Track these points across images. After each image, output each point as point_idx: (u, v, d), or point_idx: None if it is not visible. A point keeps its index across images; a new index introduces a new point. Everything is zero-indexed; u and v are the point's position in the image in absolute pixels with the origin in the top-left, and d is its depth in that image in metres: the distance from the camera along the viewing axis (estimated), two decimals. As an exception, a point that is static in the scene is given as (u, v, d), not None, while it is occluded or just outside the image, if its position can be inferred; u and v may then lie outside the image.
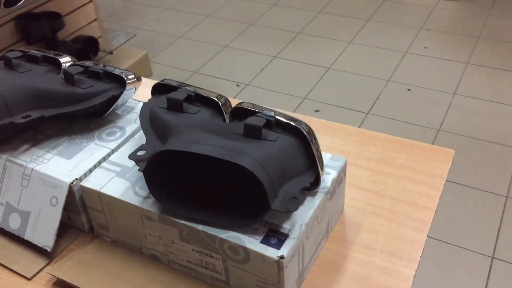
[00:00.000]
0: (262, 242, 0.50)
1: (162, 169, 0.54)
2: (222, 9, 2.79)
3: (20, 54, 0.71)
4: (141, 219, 0.56)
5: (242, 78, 2.20)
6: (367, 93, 2.06)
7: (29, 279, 0.58)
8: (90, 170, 0.61)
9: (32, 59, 0.71)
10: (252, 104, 0.60)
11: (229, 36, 2.53)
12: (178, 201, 0.54)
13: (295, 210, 0.49)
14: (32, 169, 0.61)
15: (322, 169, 0.55)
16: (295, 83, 2.15)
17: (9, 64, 0.69)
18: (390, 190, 0.67)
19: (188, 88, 0.62)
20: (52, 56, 0.71)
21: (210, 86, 2.11)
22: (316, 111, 1.98)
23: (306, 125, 0.57)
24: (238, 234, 0.51)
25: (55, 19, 1.95)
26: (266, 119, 0.56)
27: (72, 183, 0.59)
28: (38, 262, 0.60)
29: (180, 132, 0.55)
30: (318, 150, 0.56)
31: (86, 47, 1.94)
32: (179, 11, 2.81)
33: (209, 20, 2.70)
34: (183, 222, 0.53)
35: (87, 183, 0.59)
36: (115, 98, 0.66)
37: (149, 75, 2.24)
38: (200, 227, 0.52)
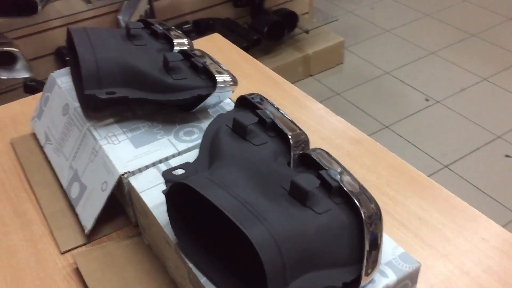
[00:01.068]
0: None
1: (186, 199, 0.47)
2: (446, 11, 2.51)
3: (141, 25, 0.69)
4: (164, 240, 0.51)
5: (435, 93, 1.97)
6: None
7: (61, 254, 0.58)
8: (147, 167, 0.57)
9: (154, 34, 0.69)
10: (328, 154, 0.49)
11: (441, 42, 2.27)
12: (192, 239, 0.47)
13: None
14: (101, 146, 0.60)
15: (370, 268, 0.42)
16: (495, 116, 1.84)
17: (128, 34, 0.68)
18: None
19: (269, 111, 0.53)
20: (169, 34, 0.68)
21: (394, 93, 1.94)
22: (507, 156, 1.68)
23: (375, 205, 0.44)
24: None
25: (265, -13, 1.97)
26: (326, 180, 0.44)
27: (123, 175, 0.56)
28: (77, 239, 0.59)
29: (221, 165, 0.47)
30: (376, 242, 0.43)
31: (281, 21, 1.92)
32: (398, 3, 2.61)
33: (427, 19, 2.46)
34: (190, 265, 0.46)
35: (134, 180, 0.55)
36: (202, 97, 0.60)
37: (337, 64, 2.14)
38: (203, 280, 0.45)
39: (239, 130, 0.51)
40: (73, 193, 0.63)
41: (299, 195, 0.44)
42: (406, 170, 0.65)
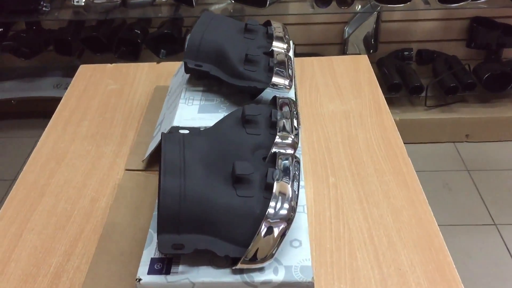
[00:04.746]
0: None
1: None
2: None
3: (257, 23, 0.82)
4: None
5: None
6: None
7: (125, 170, 0.76)
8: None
9: (267, 33, 0.81)
10: (297, 163, 0.54)
11: None
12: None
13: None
14: (178, 103, 0.75)
15: (257, 257, 0.48)
16: None
17: (245, 27, 0.81)
18: None
19: (282, 113, 0.61)
20: (274, 36, 0.79)
21: None
22: None
23: (290, 212, 0.49)
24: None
25: None
26: (267, 176, 0.51)
27: (173, 127, 0.71)
28: (139, 165, 0.77)
29: (205, 132, 0.58)
30: (270, 236, 0.48)
31: (510, 73, 1.78)
32: None
33: None
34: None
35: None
36: (258, 90, 0.70)
37: None
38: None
39: (242, 117, 0.61)
40: (155, 132, 0.80)
41: (233, 176, 0.51)
42: None
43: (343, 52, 1.94)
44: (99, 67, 1.04)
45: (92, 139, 0.83)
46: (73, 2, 1.63)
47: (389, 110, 0.87)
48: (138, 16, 1.70)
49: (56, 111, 0.91)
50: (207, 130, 0.61)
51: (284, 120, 0.61)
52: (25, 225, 0.68)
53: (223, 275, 0.50)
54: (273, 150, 0.57)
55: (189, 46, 0.76)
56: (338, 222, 0.66)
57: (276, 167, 0.53)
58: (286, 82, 0.70)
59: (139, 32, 1.71)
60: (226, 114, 0.72)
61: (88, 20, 1.77)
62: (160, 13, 1.70)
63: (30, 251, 0.64)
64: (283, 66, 0.72)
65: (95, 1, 1.62)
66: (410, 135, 1.85)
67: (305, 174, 0.74)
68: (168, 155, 0.52)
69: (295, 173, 0.53)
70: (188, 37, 0.77)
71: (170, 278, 0.49)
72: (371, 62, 2.01)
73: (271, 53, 0.76)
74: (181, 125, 0.70)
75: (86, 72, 1.03)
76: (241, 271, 0.50)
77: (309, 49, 1.96)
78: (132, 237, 0.63)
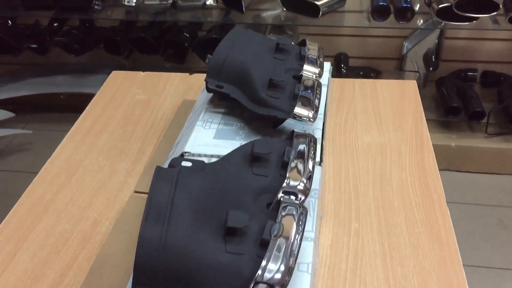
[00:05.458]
0: None
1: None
2: None
3: (290, 42, 0.75)
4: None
5: None
6: None
7: (134, 192, 0.71)
8: (205, 155, 0.64)
9: (300, 54, 0.74)
10: (300, 215, 0.47)
11: None
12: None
13: None
14: (195, 125, 0.69)
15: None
16: None
17: (276, 46, 0.74)
18: None
19: (297, 152, 0.54)
20: (307, 59, 0.72)
21: None
22: None
23: (284, 278, 0.42)
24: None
25: None
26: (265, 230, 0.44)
27: (185, 152, 0.65)
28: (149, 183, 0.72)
29: (208, 167, 0.52)
30: None
31: None
32: None
33: None
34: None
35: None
36: (279, 119, 0.63)
37: None
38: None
39: (251, 154, 0.54)
40: (171, 153, 0.75)
41: (225, 227, 0.45)
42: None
43: (400, 68, 1.83)
44: (131, 74, 1.00)
45: (108, 153, 0.79)
46: (124, 1, 1.61)
47: (432, 148, 0.77)
48: (186, 19, 1.66)
49: (78, 119, 0.87)
50: (211, 165, 0.54)
51: (297, 161, 0.53)
52: (21, 244, 0.64)
53: None
54: (280, 196, 0.50)
55: (211, 65, 0.70)
56: (354, 278, 0.58)
57: (277, 220, 0.46)
58: (310, 114, 0.63)
59: (187, 35, 1.68)
60: (243, 142, 0.66)
61: (140, 21, 1.76)
62: (209, 17, 1.66)
63: (19, 275, 0.60)
64: (310, 95, 0.65)
65: (145, 2, 1.60)
66: (466, 163, 1.72)
67: (326, 217, 0.66)
68: (154, 196, 0.46)
69: (299, 226, 0.46)
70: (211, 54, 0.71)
71: None
72: (430, 81, 1.88)
73: (300, 78, 0.68)
74: (193, 150, 0.65)
75: (117, 79, 1.00)
76: None
77: (364, 62, 1.86)
78: (124, 272, 0.58)
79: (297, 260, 0.45)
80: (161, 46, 1.68)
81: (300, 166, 0.53)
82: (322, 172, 0.65)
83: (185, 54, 1.68)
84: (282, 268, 0.43)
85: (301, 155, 0.54)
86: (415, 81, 0.93)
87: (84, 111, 0.89)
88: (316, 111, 0.63)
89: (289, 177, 0.51)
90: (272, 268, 0.42)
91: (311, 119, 0.62)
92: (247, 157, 0.54)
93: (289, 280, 0.43)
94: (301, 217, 0.47)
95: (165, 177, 0.48)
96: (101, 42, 1.77)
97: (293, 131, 0.59)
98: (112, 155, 0.79)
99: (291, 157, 0.53)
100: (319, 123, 0.68)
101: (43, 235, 0.65)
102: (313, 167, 0.54)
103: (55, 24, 1.83)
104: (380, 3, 1.51)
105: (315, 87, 0.67)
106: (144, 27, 1.74)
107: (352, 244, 0.62)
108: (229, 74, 0.69)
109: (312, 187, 0.58)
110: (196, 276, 0.43)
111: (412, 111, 0.85)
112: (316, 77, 0.70)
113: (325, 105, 0.72)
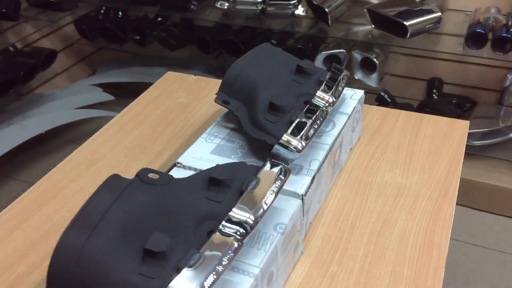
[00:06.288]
0: None
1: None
2: None
3: (312, 65, 0.71)
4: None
5: None
6: None
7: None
8: (195, 169, 0.64)
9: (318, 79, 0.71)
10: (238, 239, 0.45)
11: None
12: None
13: None
14: (199, 137, 0.70)
15: None
16: None
17: (297, 68, 0.71)
18: None
19: (255, 183, 0.51)
20: (324, 85, 0.68)
21: None
22: None
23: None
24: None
25: None
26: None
27: (178, 163, 0.65)
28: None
29: (159, 190, 0.51)
30: None
31: None
32: None
33: None
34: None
35: (175, 172, 0.64)
36: (267, 146, 0.61)
37: None
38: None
39: (210, 177, 0.52)
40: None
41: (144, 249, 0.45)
42: None
43: (499, 101, 1.66)
44: (183, 77, 1.03)
45: (131, 151, 0.82)
46: (217, 4, 1.66)
47: (455, 199, 0.69)
48: (271, 27, 1.67)
49: (119, 114, 0.92)
50: (177, 181, 0.54)
51: (255, 191, 0.51)
52: (21, 224, 0.69)
53: None
54: (222, 225, 0.48)
55: (225, 79, 0.70)
56: (309, 325, 0.54)
57: (201, 250, 0.44)
58: (299, 144, 0.60)
59: (274, 42, 1.68)
60: (235, 161, 0.65)
61: (235, 24, 1.80)
62: (298, 26, 1.64)
63: (8, 253, 0.65)
64: (304, 124, 0.61)
65: (236, 6, 1.63)
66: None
67: (306, 253, 0.62)
68: (90, 203, 0.47)
69: (222, 260, 0.44)
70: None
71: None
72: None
73: (310, 104, 0.65)
74: (185, 162, 0.65)
75: (169, 79, 1.04)
76: None
77: (460, 90, 1.72)
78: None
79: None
80: (247, 50, 1.70)
81: (256, 197, 0.50)
82: (311, 205, 0.62)
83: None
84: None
85: (262, 186, 0.52)
86: (467, 122, 0.84)
87: (127, 107, 0.94)
88: (304, 142, 0.60)
89: (238, 207, 0.49)
90: None
91: (298, 150, 0.59)
92: (208, 178, 0.53)
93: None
94: (230, 250, 0.45)
95: (112, 186, 0.49)
96: (195, 41, 1.84)
97: (269, 159, 0.57)
98: (133, 153, 0.82)
99: (250, 187, 0.51)
100: (320, 153, 0.65)
101: (43, 219, 0.70)
102: (273, 199, 0.51)
103: (159, 19, 1.94)
104: (477, 30, 1.39)
105: (317, 116, 0.63)
106: (236, 30, 1.77)
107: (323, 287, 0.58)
108: (240, 91, 0.68)
109: (279, 220, 0.55)
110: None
111: (450, 155, 0.77)
112: (326, 105, 0.66)
113: (337, 136, 0.68)
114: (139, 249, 0.45)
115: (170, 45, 1.87)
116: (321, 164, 0.64)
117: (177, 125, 0.88)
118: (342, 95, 0.76)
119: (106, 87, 2.11)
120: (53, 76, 2.21)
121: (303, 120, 0.62)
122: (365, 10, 1.50)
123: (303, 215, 0.60)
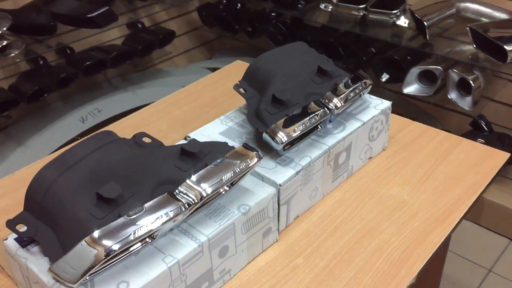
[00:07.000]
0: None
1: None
2: None
3: (333, 67, 0.73)
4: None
5: None
6: None
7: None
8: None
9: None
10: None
11: None
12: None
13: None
14: (216, 119, 0.75)
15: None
16: None
17: (319, 68, 0.73)
18: None
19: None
20: (339, 91, 0.70)
21: None
22: None
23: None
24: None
25: None
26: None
27: (189, 136, 0.72)
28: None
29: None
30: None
31: None
32: None
33: None
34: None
35: (180, 142, 0.70)
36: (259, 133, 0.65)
37: None
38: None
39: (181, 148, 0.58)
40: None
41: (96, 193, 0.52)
42: None
43: None
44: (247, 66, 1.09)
45: (173, 123, 0.91)
46: (321, 6, 1.69)
47: (452, 227, 0.66)
48: (371, 35, 1.65)
49: (178, 90, 1.01)
50: (161, 148, 0.60)
51: (213, 169, 0.55)
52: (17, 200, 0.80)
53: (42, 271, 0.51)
54: (178, 189, 0.54)
55: (249, 68, 0.75)
56: (251, 304, 0.58)
57: (145, 205, 0.50)
58: (284, 137, 0.62)
59: (372, 50, 1.66)
60: (238, 145, 0.69)
61: (337, 28, 1.81)
62: (397, 36, 1.61)
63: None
64: (295, 120, 0.64)
65: (338, 10, 1.65)
66: None
67: (281, 241, 0.65)
68: (74, 148, 0.55)
69: (157, 219, 0.49)
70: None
71: (19, 251, 0.54)
72: None
73: (318, 104, 0.68)
74: (194, 137, 0.71)
75: (236, 66, 1.11)
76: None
77: None
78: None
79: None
80: (345, 54, 1.71)
81: (216, 173, 0.55)
82: (295, 198, 0.64)
83: (361, 67, 1.67)
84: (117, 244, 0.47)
85: (221, 167, 0.56)
86: (507, 155, 0.79)
87: (188, 85, 1.03)
88: (292, 142, 0.63)
89: (196, 177, 0.54)
90: (105, 234, 0.48)
91: (282, 141, 0.62)
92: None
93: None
94: (170, 211, 0.50)
95: (98, 139, 0.57)
96: (299, 39, 1.89)
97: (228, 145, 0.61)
98: (175, 126, 0.90)
99: (214, 163, 0.56)
100: (314, 152, 0.67)
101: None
102: (232, 178, 0.55)
103: (272, 14, 2.02)
104: None
105: (314, 114, 0.65)
106: (339, 34, 1.78)
107: (281, 275, 0.61)
108: (258, 81, 0.73)
109: (245, 202, 0.59)
110: (59, 221, 0.51)
111: (471, 183, 0.74)
112: (332, 107, 0.68)
113: (342, 139, 0.69)
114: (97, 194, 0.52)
115: (276, 40, 1.94)
116: (312, 162, 0.66)
117: (222, 108, 0.94)
118: (366, 103, 0.76)
119: (214, 71, 2.26)
120: (175, 55, 2.41)
121: (298, 115, 0.65)
122: (467, 28, 1.43)
123: (279, 205, 0.63)
